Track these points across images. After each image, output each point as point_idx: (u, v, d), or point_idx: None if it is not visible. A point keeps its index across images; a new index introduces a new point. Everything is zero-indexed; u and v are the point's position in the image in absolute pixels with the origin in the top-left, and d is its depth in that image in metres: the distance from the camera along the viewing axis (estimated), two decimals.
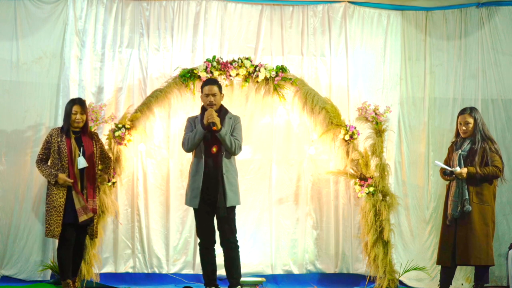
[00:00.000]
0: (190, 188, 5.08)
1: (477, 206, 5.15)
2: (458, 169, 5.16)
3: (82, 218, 5.11)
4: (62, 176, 5.12)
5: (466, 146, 5.28)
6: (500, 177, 5.24)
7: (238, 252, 5.12)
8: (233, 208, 5.08)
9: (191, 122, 5.20)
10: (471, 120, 5.28)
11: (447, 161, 5.44)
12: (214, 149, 5.00)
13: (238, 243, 5.15)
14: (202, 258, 5.20)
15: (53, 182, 5.14)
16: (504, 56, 6.32)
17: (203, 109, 5.15)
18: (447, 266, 5.28)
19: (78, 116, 5.23)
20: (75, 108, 5.24)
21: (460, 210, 5.15)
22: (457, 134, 5.42)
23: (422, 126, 6.32)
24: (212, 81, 5.20)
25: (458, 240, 5.16)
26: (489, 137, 5.30)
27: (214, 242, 5.16)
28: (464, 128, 5.30)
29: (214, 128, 4.94)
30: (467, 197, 5.16)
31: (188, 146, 5.11)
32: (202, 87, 5.20)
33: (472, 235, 5.10)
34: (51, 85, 6.06)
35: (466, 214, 5.14)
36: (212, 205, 4.99)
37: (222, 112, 5.14)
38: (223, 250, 5.11)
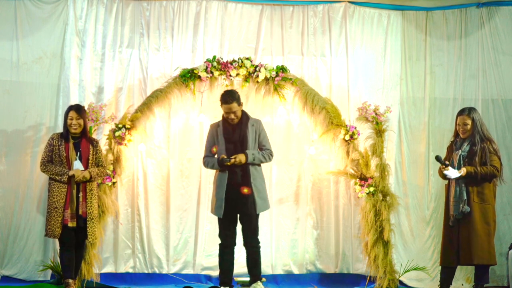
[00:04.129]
0: (215, 198, 5.26)
1: (479, 206, 5.16)
2: (461, 173, 5.14)
3: (70, 224, 5.20)
4: (73, 171, 5.20)
5: (466, 147, 5.27)
6: (498, 176, 5.24)
7: (260, 253, 5.36)
8: (257, 214, 5.31)
9: (213, 132, 5.37)
10: (469, 121, 5.28)
11: (447, 160, 5.43)
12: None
13: (260, 244, 5.37)
14: (221, 258, 5.36)
15: (65, 180, 5.18)
16: (504, 56, 6.32)
17: (224, 119, 5.34)
18: (451, 266, 5.28)
19: (74, 121, 5.29)
20: (71, 114, 5.31)
21: (460, 210, 5.15)
22: (456, 134, 5.43)
23: (423, 126, 6.32)
24: (228, 99, 5.25)
25: (461, 240, 5.16)
26: (488, 138, 5.30)
27: (235, 244, 5.37)
28: (462, 129, 5.30)
29: (228, 164, 5.14)
30: (465, 197, 5.16)
31: (206, 167, 5.45)
32: (221, 104, 5.30)
33: (474, 235, 5.11)
34: (51, 85, 6.06)
35: (466, 214, 5.14)
36: (240, 212, 5.26)
37: (244, 121, 5.31)
38: (246, 251, 5.34)
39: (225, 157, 5.16)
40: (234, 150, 5.25)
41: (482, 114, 6.21)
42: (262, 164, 5.42)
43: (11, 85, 6.01)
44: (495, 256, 5.22)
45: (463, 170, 5.15)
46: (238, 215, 5.34)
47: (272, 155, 5.41)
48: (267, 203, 5.35)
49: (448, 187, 5.36)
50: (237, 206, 5.24)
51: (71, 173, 5.20)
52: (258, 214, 5.33)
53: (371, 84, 6.28)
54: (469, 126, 5.28)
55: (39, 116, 6.02)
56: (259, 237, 5.40)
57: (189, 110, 6.12)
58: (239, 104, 5.31)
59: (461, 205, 5.16)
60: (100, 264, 5.84)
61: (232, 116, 5.26)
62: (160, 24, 6.22)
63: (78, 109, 5.37)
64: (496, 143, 5.37)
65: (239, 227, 5.40)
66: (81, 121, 5.33)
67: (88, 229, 5.27)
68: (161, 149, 6.14)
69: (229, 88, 5.97)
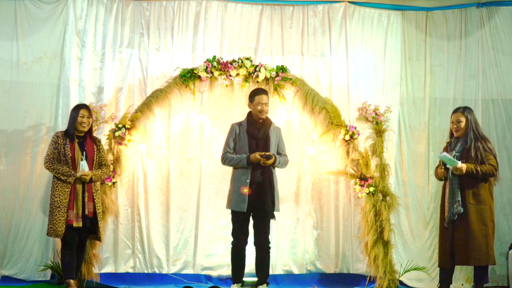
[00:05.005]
0: (236, 193, 5.32)
1: (474, 207, 5.13)
2: (459, 163, 5.11)
3: (76, 224, 5.21)
4: (81, 172, 5.22)
5: (459, 147, 5.25)
6: (495, 175, 5.21)
7: (269, 253, 5.51)
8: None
9: (236, 129, 5.47)
10: (463, 119, 5.26)
11: (441, 162, 5.40)
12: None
13: (270, 245, 5.50)
14: (233, 257, 5.48)
15: (71, 181, 5.19)
16: (504, 56, 6.32)
17: (250, 115, 5.51)
18: (449, 267, 5.27)
19: (85, 119, 5.33)
20: (83, 112, 5.34)
21: (454, 212, 5.13)
22: (451, 134, 5.42)
23: (422, 126, 6.32)
24: (262, 91, 5.53)
25: (456, 241, 5.15)
26: (483, 136, 5.27)
27: (247, 242, 5.47)
28: (455, 126, 5.29)
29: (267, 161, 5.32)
30: (459, 198, 5.14)
31: (226, 164, 5.47)
32: (252, 97, 5.51)
33: (470, 236, 5.09)
34: (51, 85, 6.06)
35: (462, 215, 5.12)
36: (256, 209, 5.33)
37: (268, 122, 5.51)
38: (256, 250, 5.43)
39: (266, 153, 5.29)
40: (256, 147, 5.36)
41: (482, 114, 6.23)
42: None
43: (11, 85, 6.01)
44: (494, 256, 5.21)
45: (463, 166, 5.10)
46: (253, 214, 5.40)
47: (288, 162, 5.64)
48: (279, 205, 5.49)
49: (443, 189, 5.35)
50: (256, 204, 5.31)
51: (79, 174, 5.20)
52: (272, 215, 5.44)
53: (371, 84, 6.28)
54: (462, 124, 5.26)
55: (39, 116, 6.02)
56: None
57: (189, 110, 6.12)
58: (268, 100, 5.53)
59: (454, 206, 5.14)
60: (100, 264, 5.83)
61: (264, 107, 5.42)
62: (160, 24, 6.22)
63: (88, 107, 5.44)
64: (492, 142, 5.34)
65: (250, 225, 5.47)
66: (90, 120, 5.39)
67: (99, 228, 5.34)
68: (161, 149, 6.13)
69: (228, 87, 5.98)
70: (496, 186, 5.38)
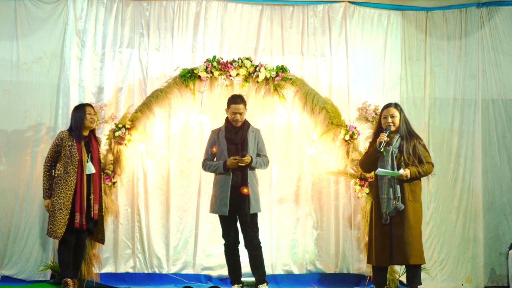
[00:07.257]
0: (218, 197, 5.36)
1: (411, 204, 4.99)
2: (401, 171, 4.96)
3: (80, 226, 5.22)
4: (47, 204, 5.25)
5: (396, 142, 5.07)
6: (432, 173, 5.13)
7: (261, 251, 5.46)
8: (255, 214, 5.43)
9: (214, 136, 5.52)
10: (397, 114, 5.06)
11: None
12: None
13: (261, 244, 5.47)
14: (228, 258, 5.53)
15: (44, 197, 5.27)
16: (504, 56, 6.32)
17: (227, 120, 5.50)
18: (385, 265, 5.12)
19: (93, 116, 5.35)
20: (89, 109, 5.35)
21: (394, 207, 4.98)
22: (378, 129, 5.19)
23: (422, 126, 6.31)
24: (238, 100, 5.47)
25: (394, 239, 4.96)
26: (415, 134, 5.13)
27: (238, 242, 5.50)
28: (390, 121, 5.06)
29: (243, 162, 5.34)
30: (399, 194, 4.99)
31: (206, 170, 5.57)
32: (229, 104, 5.48)
33: (409, 235, 4.92)
34: (51, 85, 6.06)
35: (400, 213, 4.96)
36: (237, 211, 5.36)
37: (245, 126, 5.51)
38: (248, 251, 5.44)
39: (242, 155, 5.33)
40: (235, 151, 5.37)
41: (482, 114, 6.24)
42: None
43: (11, 85, 6.01)
44: (424, 255, 5.07)
45: (407, 172, 4.97)
46: (238, 216, 5.42)
47: (268, 163, 5.62)
48: (259, 205, 5.46)
49: (376, 184, 5.14)
50: (237, 206, 5.33)
51: (46, 203, 5.28)
52: (256, 216, 5.44)
53: (371, 84, 6.28)
54: (397, 119, 5.06)
55: (39, 116, 6.02)
56: (259, 237, 5.46)
57: (189, 110, 6.12)
58: (245, 108, 5.51)
59: (393, 202, 4.98)
60: (100, 264, 5.84)
61: (238, 117, 5.41)
62: (160, 24, 6.22)
63: (91, 105, 5.47)
64: (422, 139, 5.17)
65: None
66: (95, 117, 5.41)
67: (103, 230, 5.37)
68: (161, 149, 6.14)
69: (228, 87, 5.99)
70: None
